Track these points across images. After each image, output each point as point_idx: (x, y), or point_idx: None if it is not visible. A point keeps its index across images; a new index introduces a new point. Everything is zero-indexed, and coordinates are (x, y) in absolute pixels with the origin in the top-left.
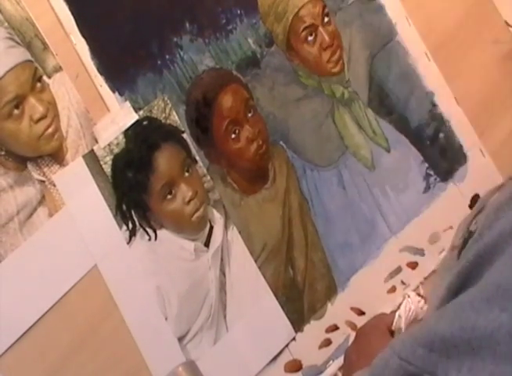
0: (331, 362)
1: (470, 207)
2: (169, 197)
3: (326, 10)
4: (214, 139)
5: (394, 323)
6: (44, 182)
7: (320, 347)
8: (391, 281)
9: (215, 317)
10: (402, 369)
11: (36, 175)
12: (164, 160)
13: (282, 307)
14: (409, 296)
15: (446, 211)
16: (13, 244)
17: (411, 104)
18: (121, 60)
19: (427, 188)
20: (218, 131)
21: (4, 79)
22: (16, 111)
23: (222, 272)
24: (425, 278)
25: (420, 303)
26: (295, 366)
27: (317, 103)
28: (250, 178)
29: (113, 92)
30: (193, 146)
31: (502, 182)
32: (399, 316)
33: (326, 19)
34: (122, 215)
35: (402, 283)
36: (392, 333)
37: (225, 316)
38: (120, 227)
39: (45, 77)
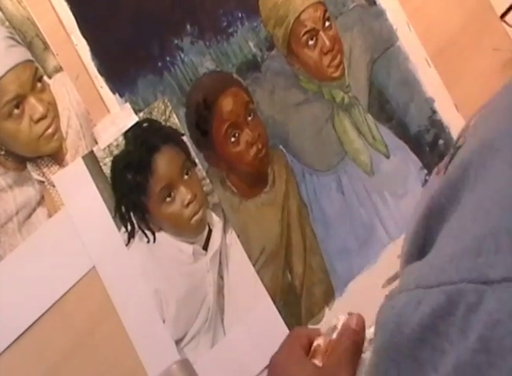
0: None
1: None
2: (168, 199)
3: (327, 15)
4: (214, 142)
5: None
6: (43, 182)
7: None
8: (389, 287)
9: (213, 321)
10: (444, 294)
11: (35, 175)
12: (164, 162)
13: (279, 311)
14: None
15: None
16: (12, 244)
17: (411, 110)
18: (122, 62)
19: None
20: (217, 135)
21: (4, 78)
22: (16, 111)
23: (220, 276)
24: None
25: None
26: None
27: (317, 108)
28: (250, 181)
29: (114, 93)
30: (193, 148)
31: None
32: (334, 327)
33: (327, 24)
34: (121, 216)
35: None
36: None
37: (222, 320)
38: (119, 229)
39: (45, 78)
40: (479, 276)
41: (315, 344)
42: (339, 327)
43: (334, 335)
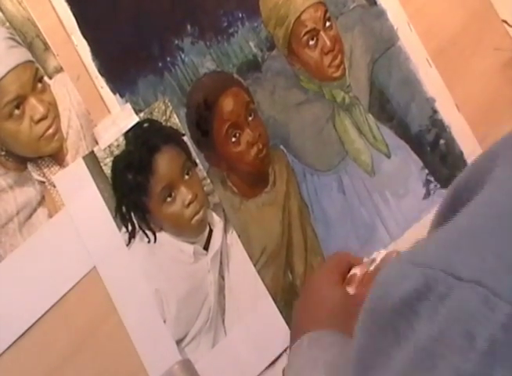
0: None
1: None
2: (169, 199)
3: (328, 15)
4: (215, 142)
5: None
6: (44, 182)
7: None
8: None
9: (214, 321)
10: (424, 276)
11: (36, 175)
12: (164, 162)
13: (280, 312)
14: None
15: None
16: (12, 245)
17: (412, 110)
18: (122, 62)
19: (427, 194)
20: (218, 135)
21: (5, 79)
22: (16, 111)
23: (221, 276)
24: None
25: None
26: None
27: (318, 108)
28: (250, 181)
29: (114, 93)
30: (194, 148)
31: None
32: (373, 260)
33: (327, 24)
34: (122, 216)
35: None
36: (346, 279)
37: (223, 320)
38: (120, 229)
39: (45, 78)
40: (453, 269)
41: (352, 272)
42: (378, 260)
43: (372, 268)
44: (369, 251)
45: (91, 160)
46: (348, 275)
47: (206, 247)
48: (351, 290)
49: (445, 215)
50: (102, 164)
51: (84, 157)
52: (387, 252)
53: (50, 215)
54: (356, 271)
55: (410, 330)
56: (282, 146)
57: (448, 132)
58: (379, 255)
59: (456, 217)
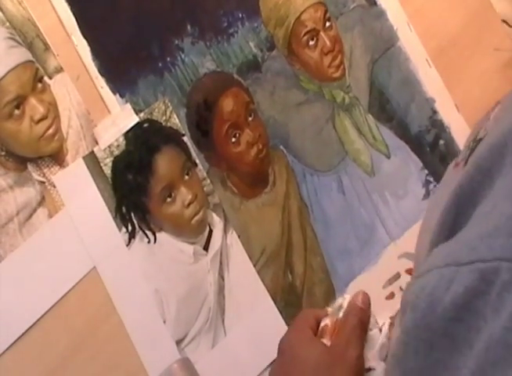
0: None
1: None
2: (169, 199)
3: (328, 15)
4: (215, 142)
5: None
6: (44, 183)
7: None
8: (390, 287)
9: (213, 321)
10: (477, 272)
11: (36, 175)
12: (164, 162)
13: (280, 312)
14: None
15: None
16: (13, 245)
17: (411, 110)
18: (122, 62)
19: (427, 195)
20: (218, 135)
21: (5, 79)
22: (16, 111)
23: (221, 276)
24: None
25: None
26: None
27: (318, 108)
28: (250, 182)
29: (114, 93)
30: (194, 149)
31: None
32: (340, 307)
33: (327, 24)
34: (122, 217)
35: (401, 289)
36: (318, 332)
37: (223, 320)
38: (120, 229)
39: (45, 78)
40: None
41: (322, 324)
42: (345, 305)
43: (341, 314)
44: (368, 252)
45: (91, 160)
46: (319, 327)
47: (206, 248)
48: (325, 341)
49: (450, 221)
50: (102, 165)
51: (84, 157)
52: (353, 296)
53: (50, 215)
54: (326, 322)
55: (474, 332)
56: (282, 147)
57: (448, 133)
58: (344, 301)
59: (476, 214)
